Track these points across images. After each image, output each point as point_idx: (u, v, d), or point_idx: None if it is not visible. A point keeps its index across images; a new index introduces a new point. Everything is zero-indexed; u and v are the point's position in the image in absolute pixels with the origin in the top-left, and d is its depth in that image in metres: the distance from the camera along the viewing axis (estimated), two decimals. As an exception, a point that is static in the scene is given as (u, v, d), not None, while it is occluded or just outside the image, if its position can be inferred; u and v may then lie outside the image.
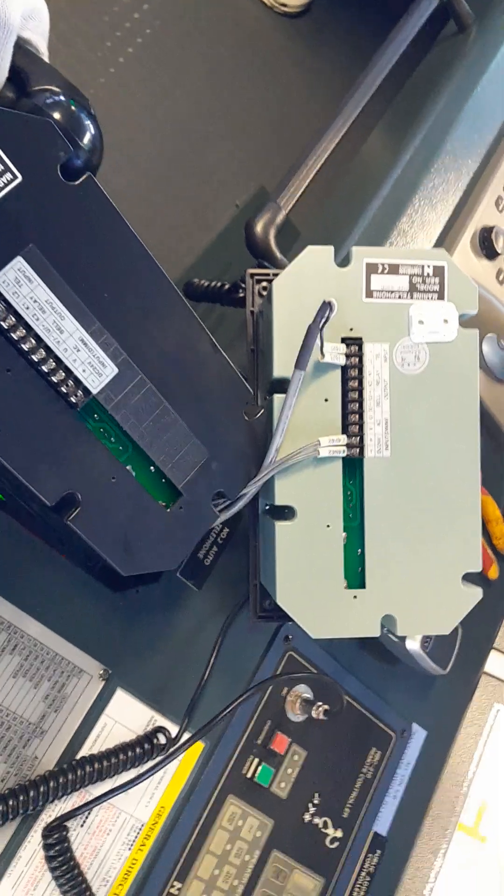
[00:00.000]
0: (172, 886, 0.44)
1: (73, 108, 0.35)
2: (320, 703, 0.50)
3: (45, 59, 0.36)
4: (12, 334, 0.31)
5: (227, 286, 0.57)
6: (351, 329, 0.40)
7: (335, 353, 0.39)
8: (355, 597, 0.39)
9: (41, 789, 0.38)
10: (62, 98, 0.35)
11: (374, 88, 0.63)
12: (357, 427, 0.40)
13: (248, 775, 0.48)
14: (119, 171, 0.72)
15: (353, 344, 0.40)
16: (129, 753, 0.41)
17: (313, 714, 0.49)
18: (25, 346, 0.31)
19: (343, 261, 0.40)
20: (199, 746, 0.46)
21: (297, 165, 0.58)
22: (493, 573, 0.66)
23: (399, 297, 0.40)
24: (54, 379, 0.32)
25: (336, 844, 0.53)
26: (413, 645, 0.54)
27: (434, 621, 0.40)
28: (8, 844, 0.39)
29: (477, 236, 0.63)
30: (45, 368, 0.32)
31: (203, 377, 0.36)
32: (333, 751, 0.53)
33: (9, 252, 0.30)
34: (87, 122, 0.35)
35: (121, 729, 0.43)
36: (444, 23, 0.77)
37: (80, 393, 0.33)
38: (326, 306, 0.36)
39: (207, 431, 0.37)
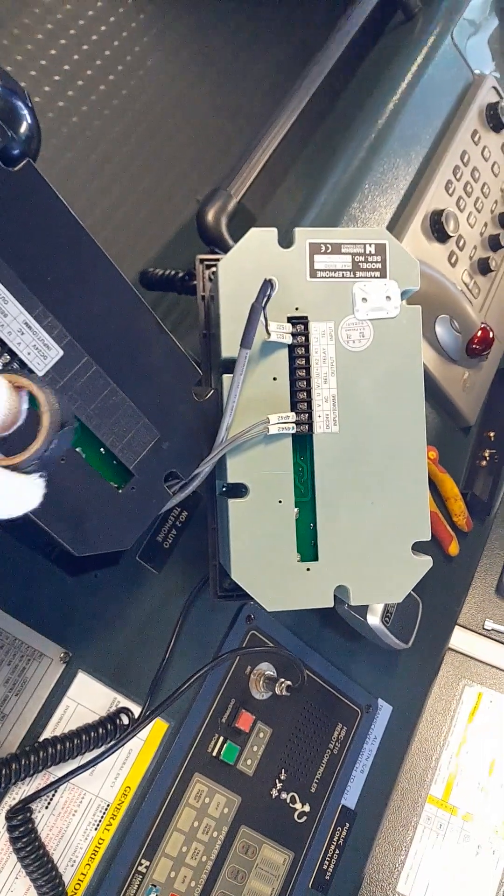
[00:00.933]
0: (140, 864, 0.45)
1: (8, 98, 0.35)
2: (283, 680, 0.50)
3: None
4: (-47, 317, 0.31)
5: (180, 274, 0.58)
6: (296, 308, 0.40)
7: (281, 332, 0.39)
8: (308, 569, 0.40)
9: (3, 772, 0.38)
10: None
11: (322, 76, 0.64)
12: (305, 404, 0.40)
13: (214, 753, 0.49)
14: (80, 165, 0.72)
15: (299, 323, 0.40)
16: (92, 734, 0.42)
17: (277, 691, 0.50)
18: (-33, 329, 0.31)
19: (287, 242, 0.41)
20: (164, 726, 0.47)
21: (246, 153, 0.59)
22: (454, 549, 0.68)
23: (342, 275, 0.41)
24: (-1, 362, 0.32)
25: (304, 819, 0.54)
26: (374, 620, 0.55)
27: (386, 590, 0.41)
28: (-28, 829, 0.39)
29: (428, 220, 0.64)
30: (-12, 351, 0.32)
31: (150, 358, 0.37)
32: (299, 727, 0.54)
33: None
34: (24, 112, 0.36)
35: (83, 711, 0.43)
36: (393, 12, 0.78)
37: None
38: (268, 284, 0.36)
39: (157, 412, 0.38)
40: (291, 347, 0.40)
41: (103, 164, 0.73)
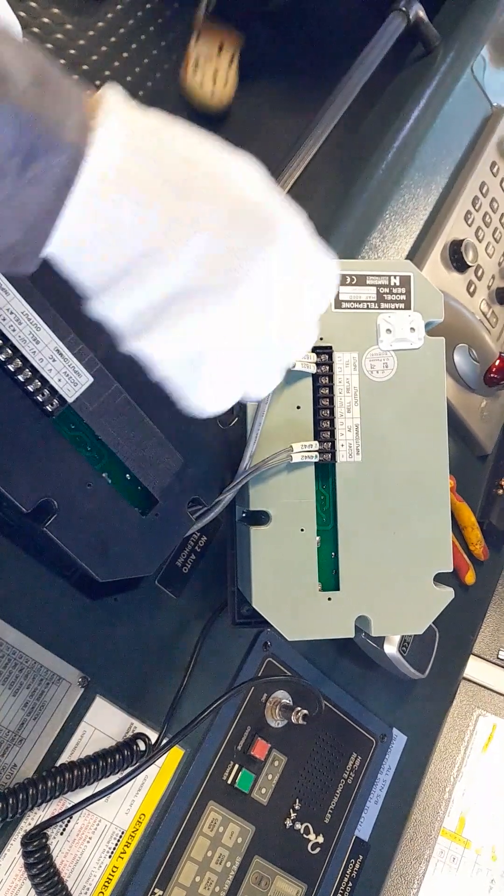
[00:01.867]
0: (153, 894, 0.44)
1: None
2: (299, 709, 0.50)
3: None
4: (-12, 345, 0.31)
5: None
6: (321, 339, 0.41)
7: (306, 361, 0.40)
8: (329, 599, 0.40)
9: (20, 797, 0.38)
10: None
11: (344, 108, 0.65)
12: (329, 433, 0.41)
13: (229, 781, 0.48)
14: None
15: (324, 353, 0.41)
16: (109, 760, 0.42)
17: (293, 719, 0.50)
18: (1, 356, 0.32)
19: (312, 272, 0.41)
20: (179, 753, 0.47)
21: (270, 182, 0.60)
22: (470, 578, 0.67)
23: (367, 307, 0.41)
24: (30, 388, 0.33)
25: (318, 850, 0.54)
26: (391, 649, 0.55)
27: (407, 621, 0.41)
28: (-12, 854, 0.39)
29: (447, 250, 0.65)
30: (21, 378, 0.32)
31: (177, 386, 0.37)
32: (314, 756, 0.54)
33: (-16, 265, 0.31)
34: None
35: (100, 736, 0.43)
36: (413, 45, 0.79)
37: (55, 402, 0.34)
38: (295, 316, 0.37)
39: (182, 439, 0.38)
40: (316, 377, 0.41)
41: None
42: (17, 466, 0.32)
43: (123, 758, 0.42)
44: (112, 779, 0.41)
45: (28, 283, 0.32)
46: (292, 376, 0.40)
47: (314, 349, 0.41)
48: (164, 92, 0.79)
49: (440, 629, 0.60)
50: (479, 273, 0.68)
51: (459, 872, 0.68)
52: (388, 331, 0.41)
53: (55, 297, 0.33)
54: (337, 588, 0.41)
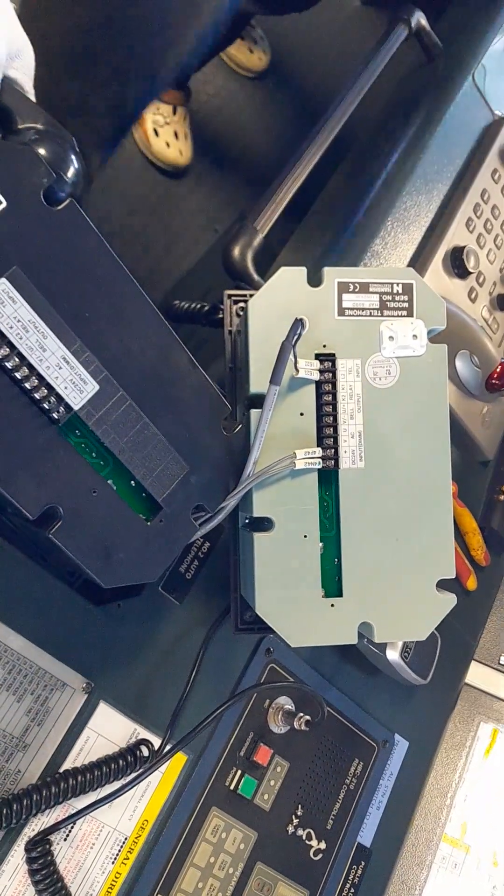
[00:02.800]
0: (157, 900, 0.44)
1: (57, 144, 0.36)
2: (302, 714, 0.50)
3: (31, 97, 0.37)
4: (-5, 352, 0.32)
5: (206, 307, 0.58)
6: (324, 346, 0.41)
7: (309, 368, 0.40)
8: (333, 605, 0.40)
9: (24, 803, 0.38)
10: (47, 135, 0.36)
11: (347, 115, 0.66)
12: (332, 440, 0.41)
13: (232, 787, 0.48)
14: (103, 199, 0.73)
15: (327, 360, 0.41)
16: (113, 766, 0.42)
17: (295, 725, 0.50)
18: (9, 364, 0.32)
19: (315, 281, 0.41)
20: (182, 759, 0.47)
21: (272, 190, 0.60)
22: (472, 584, 0.68)
23: (370, 314, 0.41)
24: (37, 395, 0.33)
25: (320, 856, 0.54)
26: (393, 655, 0.55)
27: (410, 628, 0.41)
28: (-9, 860, 0.39)
29: (448, 256, 0.65)
30: (27, 385, 0.33)
31: (182, 393, 0.38)
32: (316, 762, 0.54)
33: (-8, 274, 0.31)
34: (71, 157, 0.37)
35: (104, 742, 0.43)
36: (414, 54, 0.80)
37: (61, 409, 0.34)
38: (298, 323, 0.37)
39: (187, 446, 0.38)
40: (319, 384, 0.41)
41: (129, 197, 0.75)
42: (23, 473, 0.33)
43: (127, 763, 0.43)
44: (115, 785, 0.42)
45: (36, 292, 0.32)
46: (296, 383, 0.40)
47: (317, 356, 0.41)
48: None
49: (442, 635, 0.60)
50: (481, 279, 0.68)
51: (461, 879, 0.68)
52: (391, 338, 0.41)
53: (62, 304, 0.33)
54: (340, 594, 0.41)
